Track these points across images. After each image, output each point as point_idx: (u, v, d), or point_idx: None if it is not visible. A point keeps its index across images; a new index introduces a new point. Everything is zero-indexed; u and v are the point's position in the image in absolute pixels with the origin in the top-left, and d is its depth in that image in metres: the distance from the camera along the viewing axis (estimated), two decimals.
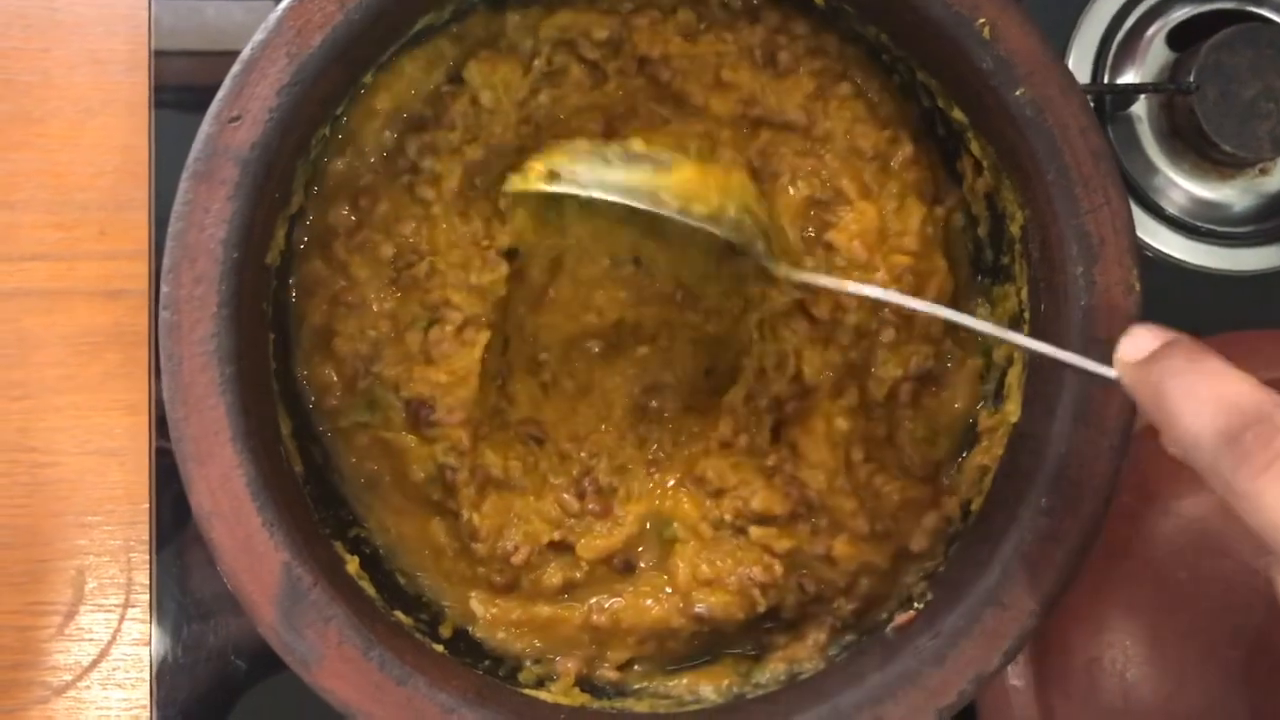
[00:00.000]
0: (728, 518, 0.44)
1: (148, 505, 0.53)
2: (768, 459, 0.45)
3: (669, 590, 0.44)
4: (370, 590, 0.41)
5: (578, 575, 0.44)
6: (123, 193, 0.54)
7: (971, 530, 0.42)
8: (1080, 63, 0.55)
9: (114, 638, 0.53)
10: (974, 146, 0.43)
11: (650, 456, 0.46)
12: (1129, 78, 0.55)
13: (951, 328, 0.45)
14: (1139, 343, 0.32)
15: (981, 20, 0.39)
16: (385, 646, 0.37)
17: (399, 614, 0.41)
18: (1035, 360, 0.42)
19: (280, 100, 0.39)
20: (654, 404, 0.47)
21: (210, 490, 0.37)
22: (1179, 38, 0.55)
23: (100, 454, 0.53)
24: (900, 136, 0.45)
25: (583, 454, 0.46)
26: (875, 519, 0.44)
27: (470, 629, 0.44)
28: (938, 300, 0.44)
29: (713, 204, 0.42)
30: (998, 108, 0.40)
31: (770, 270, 0.43)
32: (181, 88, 0.54)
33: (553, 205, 0.45)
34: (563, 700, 0.42)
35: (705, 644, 0.44)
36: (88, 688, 0.53)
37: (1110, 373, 0.33)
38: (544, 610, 0.43)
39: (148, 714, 0.52)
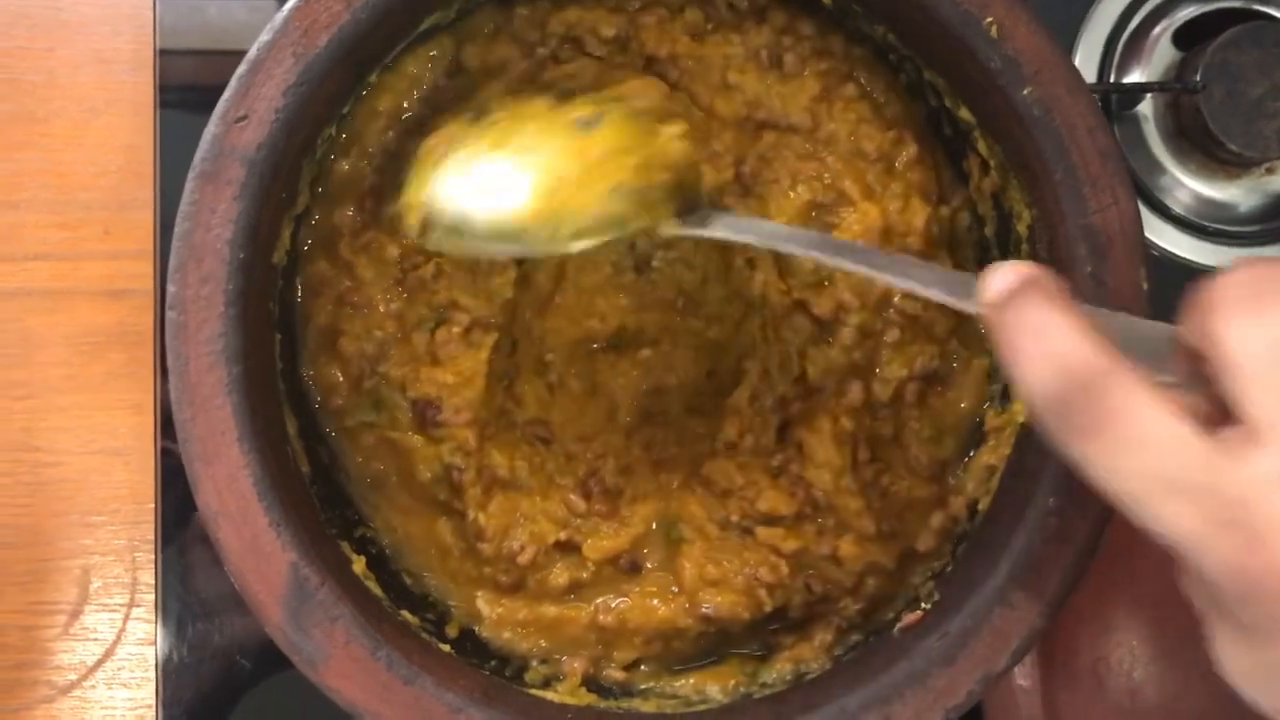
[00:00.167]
0: (734, 518, 0.44)
1: (153, 505, 0.53)
2: (774, 459, 0.45)
3: (675, 590, 0.44)
4: (377, 590, 0.41)
5: (584, 575, 0.44)
6: (126, 192, 0.54)
7: (979, 530, 0.42)
8: (1086, 62, 0.55)
9: (119, 637, 0.53)
10: (981, 146, 0.43)
11: (656, 457, 0.46)
12: (1135, 77, 0.55)
13: (957, 328, 0.45)
14: (998, 281, 0.30)
15: (989, 19, 0.39)
16: (392, 646, 0.37)
17: (405, 613, 0.41)
18: None
19: (287, 100, 0.39)
20: (658, 406, 0.47)
21: (217, 490, 0.37)
22: (1185, 37, 0.55)
23: (104, 453, 0.53)
24: (905, 137, 0.45)
25: (589, 454, 0.46)
26: (882, 519, 0.44)
27: (476, 629, 0.44)
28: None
29: (586, 212, 0.36)
30: (1005, 107, 0.40)
31: (666, 233, 0.38)
32: (185, 87, 0.54)
33: None
34: (569, 700, 0.42)
35: (711, 644, 0.44)
36: (93, 687, 0.53)
37: (973, 308, 0.31)
38: (550, 610, 0.43)
39: (153, 713, 0.52)
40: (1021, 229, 0.42)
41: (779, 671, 0.43)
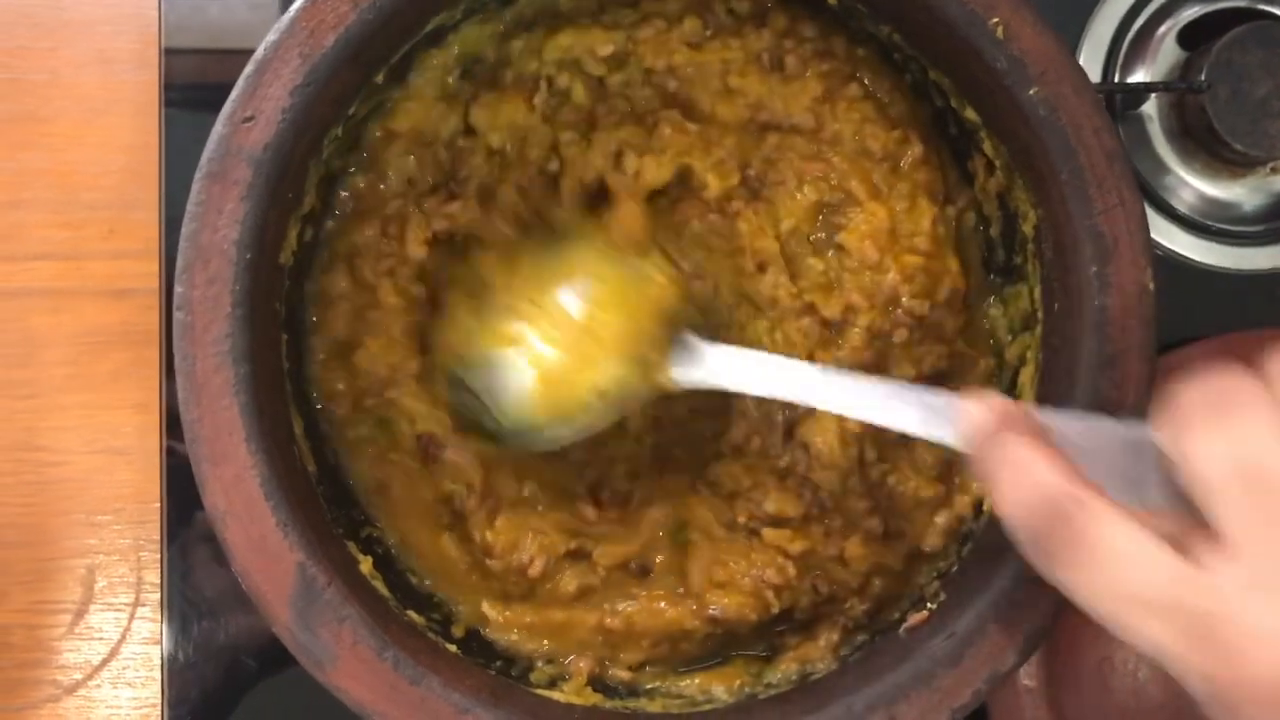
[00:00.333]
0: (741, 520, 0.44)
1: (157, 504, 0.53)
2: (780, 461, 0.45)
3: (682, 593, 0.43)
4: (383, 590, 0.41)
5: (594, 581, 0.44)
6: (130, 192, 0.54)
7: (984, 530, 0.42)
8: (1091, 62, 0.55)
9: (124, 636, 0.53)
10: (986, 146, 0.43)
11: (664, 461, 0.46)
12: (1139, 77, 0.55)
13: (964, 328, 0.45)
14: (974, 418, 0.32)
15: (995, 20, 0.39)
16: (399, 646, 0.37)
17: (412, 614, 0.41)
18: (1048, 361, 0.42)
19: (293, 101, 0.39)
20: (665, 409, 0.47)
21: (224, 490, 0.37)
22: (1190, 36, 0.54)
23: (108, 453, 0.53)
24: (910, 137, 0.45)
25: (599, 461, 0.46)
26: (888, 519, 0.44)
27: (482, 629, 0.44)
28: (950, 299, 0.44)
29: (584, 381, 0.41)
30: (1011, 107, 0.40)
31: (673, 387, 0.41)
32: (187, 86, 0.54)
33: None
34: (575, 700, 0.41)
35: (718, 645, 0.44)
36: (98, 686, 0.53)
37: (956, 443, 0.33)
38: (558, 615, 0.43)
39: (158, 712, 0.52)
40: (1027, 229, 0.42)
41: (784, 672, 0.43)
